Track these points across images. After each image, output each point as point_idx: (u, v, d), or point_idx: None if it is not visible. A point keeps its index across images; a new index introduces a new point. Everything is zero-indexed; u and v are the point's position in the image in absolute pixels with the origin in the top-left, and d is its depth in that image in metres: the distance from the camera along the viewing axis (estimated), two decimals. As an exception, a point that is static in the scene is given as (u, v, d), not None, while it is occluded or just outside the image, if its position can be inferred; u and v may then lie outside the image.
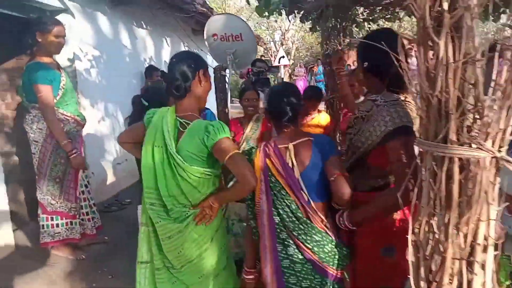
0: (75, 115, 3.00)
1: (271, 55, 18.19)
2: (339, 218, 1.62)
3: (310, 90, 3.87)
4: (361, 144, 1.63)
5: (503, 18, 5.12)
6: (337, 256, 1.64)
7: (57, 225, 2.98)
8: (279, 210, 1.65)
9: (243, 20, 5.03)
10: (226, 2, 19.53)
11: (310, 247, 1.61)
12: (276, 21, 22.34)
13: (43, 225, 2.96)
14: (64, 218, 2.99)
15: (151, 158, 1.71)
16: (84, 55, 4.01)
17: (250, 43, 5.07)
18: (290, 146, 1.69)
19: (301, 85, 15.93)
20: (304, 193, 1.63)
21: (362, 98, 3.13)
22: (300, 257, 1.64)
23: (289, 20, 18.85)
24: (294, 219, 1.64)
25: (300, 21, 6.30)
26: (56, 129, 2.82)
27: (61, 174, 2.94)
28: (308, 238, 1.62)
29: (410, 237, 1.15)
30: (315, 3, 5.21)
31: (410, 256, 1.15)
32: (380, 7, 5.70)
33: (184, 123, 1.70)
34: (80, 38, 3.97)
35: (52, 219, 2.97)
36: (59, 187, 2.95)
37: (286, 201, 1.65)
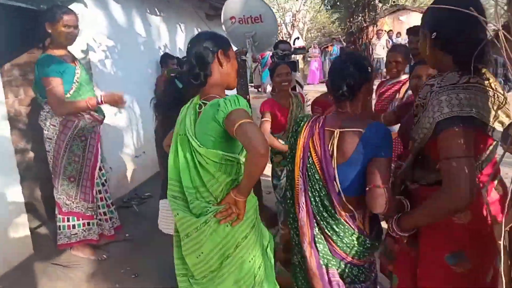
0: (91, 110, 2.86)
1: (283, 37, 17.79)
2: (390, 224, 1.46)
3: None
4: (417, 135, 1.42)
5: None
6: (355, 248, 1.57)
7: (74, 226, 2.88)
8: (308, 191, 1.61)
9: (263, 1, 4.80)
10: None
11: (329, 234, 1.58)
12: (287, 1, 21.82)
13: (59, 226, 2.87)
14: (80, 219, 2.88)
15: (175, 148, 1.62)
16: (98, 46, 3.85)
17: (271, 25, 4.83)
18: (336, 132, 1.54)
19: (316, 66, 15.62)
20: (337, 184, 1.53)
21: (404, 76, 2.89)
22: (322, 238, 1.62)
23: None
24: (319, 205, 1.59)
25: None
26: (74, 107, 2.70)
27: (76, 173, 2.82)
28: (329, 226, 1.58)
29: (502, 242, 0.95)
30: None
31: (502, 266, 0.96)
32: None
33: (202, 103, 1.58)
34: (94, 27, 3.81)
35: (68, 220, 2.87)
36: (74, 186, 2.83)
37: (317, 185, 1.58)
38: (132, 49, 4.59)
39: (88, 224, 2.91)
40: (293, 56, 4.92)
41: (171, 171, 1.63)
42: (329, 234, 1.58)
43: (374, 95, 3.31)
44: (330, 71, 1.64)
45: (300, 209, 1.62)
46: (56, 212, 2.88)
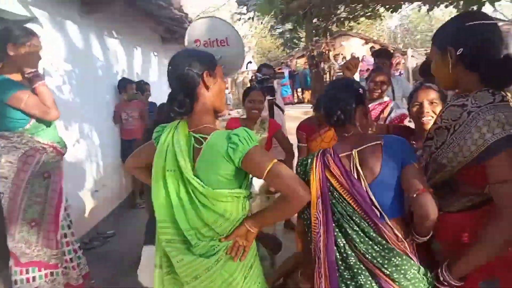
0: (54, 142, 2.51)
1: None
2: (440, 273, 1.30)
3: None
4: (447, 161, 1.30)
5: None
6: (421, 284, 1.32)
7: (34, 278, 2.44)
8: (347, 230, 1.39)
9: (229, 23, 4.72)
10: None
11: (389, 272, 1.32)
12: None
13: (15, 280, 2.42)
14: (42, 269, 2.46)
15: (164, 185, 1.40)
16: (55, 70, 3.49)
17: (237, 48, 4.75)
18: (354, 153, 1.43)
19: (266, 90, 15.91)
20: (376, 207, 1.37)
21: (386, 99, 2.91)
22: (375, 286, 1.33)
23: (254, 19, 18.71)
24: (366, 239, 1.37)
25: (279, 22, 6.15)
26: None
27: (38, 216, 2.43)
28: (386, 261, 1.33)
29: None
30: (298, 2, 5.05)
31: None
32: (361, 5, 5.67)
33: (199, 138, 1.37)
34: (50, 50, 3.45)
35: (27, 271, 2.44)
36: (35, 232, 2.43)
37: (354, 218, 1.39)
38: (90, 73, 4.25)
39: (52, 274, 2.50)
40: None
41: (161, 212, 1.42)
42: (388, 272, 1.32)
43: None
44: (322, 99, 1.57)
45: (317, 255, 1.44)
46: (11, 264, 2.45)
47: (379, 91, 2.88)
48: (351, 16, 5.85)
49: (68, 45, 3.80)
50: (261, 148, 1.37)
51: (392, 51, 7.90)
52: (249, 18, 6.48)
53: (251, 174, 1.39)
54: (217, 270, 1.38)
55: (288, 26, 5.85)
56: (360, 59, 15.40)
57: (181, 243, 1.41)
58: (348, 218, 1.40)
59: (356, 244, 1.37)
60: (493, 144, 1.16)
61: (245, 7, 5.93)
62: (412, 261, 1.34)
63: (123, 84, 4.87)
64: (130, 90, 4.90)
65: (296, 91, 16.75)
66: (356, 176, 1.41)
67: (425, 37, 29.41)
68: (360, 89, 1.52)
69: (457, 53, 1.27)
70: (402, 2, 5.20)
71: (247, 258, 1.45)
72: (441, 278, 1.29)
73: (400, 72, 10.69)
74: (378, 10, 5.82)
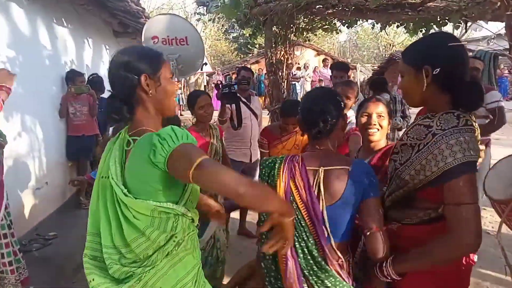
0: None
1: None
2: (380, 267, 1.36)
3: (290, 106, 3.08)
4: (409, 178, 1.35)
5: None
6: None
7: None
8: (295, 243, 1.40)
9: (190, 22, 4.65)
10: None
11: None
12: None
13: None
14: None
15: (96, 193, 1.28)
16: (-4, 56, 3.20)
17: (197, 48, 4.70)
18: (321, 170, 1.42)
19: (219, 93, 15.85)
20: (326, 229, 1.39)
21: (350, 113, 2.89)
22: None
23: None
24: (308, 257, 1.40)
25: (239, 27, 6.14)
26: None
27: None
28: (320, 281, 1.39)
29: None
30: (260, 9, 5.09)
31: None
32: (319, 17, 5.84)
33: (131, 140, 1.24)
34: (-8, 34, 3.16)
35: None
36: None
37: (304, 234, 1.41)
38: (35, 62, 3.94)
39: None
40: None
41: (91, 223, 1.29)
42: None
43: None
44: (303, 108, 1.53)
45: (286, 264, 1.41)
46: None
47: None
48: (309, 27, 6.01)
49: (12, 30, 3.50)
50: (192, 146, 1.14)
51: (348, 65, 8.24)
52: (209, 20, 6.41)
53: (178, 179, 1.17)
54: None
55: (248, 31, 5.84)
56: (313, 70, 15.87)
57: (102, 262, 1.26)
58: (299, 231, 1.41)
59: (299, 258, 1.40)
60: (453, 168, 1.21)
61: (205, 8, 5.85)
62: (343, 283, 1.41)
63: (71, 76, 4.56)
64: (79, 83, 4.61)
65: (249, 97, 16.86)
66: (316, 194, 1.41)
67: (371, 54, 31.07)
68: (342, 102, 1.53)
69: (433, 73, 1.28)
70: (357, 18, 5.43)
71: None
72: (385, 272, 1.35)
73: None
74: (334, 24, 6.03)
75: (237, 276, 2.41)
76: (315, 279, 1.40)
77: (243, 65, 17.66)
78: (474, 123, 1.31)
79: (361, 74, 18.40)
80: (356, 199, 1.40)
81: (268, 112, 5.47)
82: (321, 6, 4.99)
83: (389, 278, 1.35)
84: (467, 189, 1.21)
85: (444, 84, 1.31)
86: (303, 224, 1.40)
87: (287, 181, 1.43)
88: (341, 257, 1.42)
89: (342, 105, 1.52)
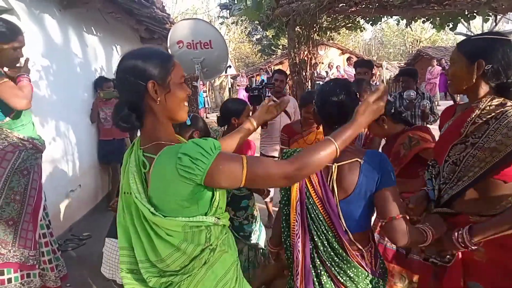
0: (33, 139, 2.42)
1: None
2: (460, 234, 1.38)
3: (307, 94, 3.13)
4: (496, 144, 1.39)
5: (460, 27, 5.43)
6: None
7: (10, 280, 2.33)
8: (314, 236, 1.45)
9: (213, 26, 4.73)
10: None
11: (343, 281, 1.43)
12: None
13: None
14: (18, 271, 2.36)
15: (122, 209, 1.23)
16: (32, 65, 3.35)
17: (221, 51, 4.78)
18: (334, 167, 1.43)
19: (243, 94, 15.94)
20: (342, 222, 1.42)
21: None
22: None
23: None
24: (329, 249, 1.44)
25: (262, 28, 6.19)
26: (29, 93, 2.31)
27: (16, 214, 2.33)
28: (342, 272, 1.43)
29: None
30: (282, 9, 5.12)
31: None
32: (343, 16, 5.81)
33: (145, 159, 1.17)
34: (27, 44, 3.32)
35: (2, 273, 2.32)
36: (12, 231, 2.32)
37: (322, 227, 1.44)
38: (68, 70, 4.12)
39: (28, 276, 2.39)
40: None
41: (121, 237, 1.25)
42: (342, 281, 1.43)
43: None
44: (319, 100, 1.53)
45: (295, 257, 1.46)
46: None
47: None
48: (332, 26, 5.97)
49: (46, 39, 3.68)
50: (225, 156, 1.13)
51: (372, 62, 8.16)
52: (232, 23, 6.48)
53: (225, 188, 1.19)
54: None
55: (271, 32, 5.87)
56: (337, 69, 15.70)
57: (137, 274, 1.24)
58: (318, 225, 1.45)
59: (319, 251, 1.44)
60: None
61: (228, 11, 5.93)
62: (365, 273, 1.44)
63: (100, 83, 4.74)
64: (106, 88, 4.77)
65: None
66: (330, 189, 1.44)
67: (397, 51, 30.41)
68: (358, 93, 1.54)
69: (486, 67, 1.43)
70: (381, 15, 5.35)
71: None
72: (459, 239, 1.38)
73: (375, 83, 11.04)
74: (358, 22, 5.97)
75: (263, 275, 2.44)
76: (337, 270, 1.43)
77: (267, 66, 17.72)
78: None
79: (387, 72, 18.05)
80: (368, 191, 1.41)
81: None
82: (344, 4, 4.96)
83: (464, 246, 1.37)
84: None
85: (493, 77, 1.45)
86: (321, 218, 1.44)
87: None
88: (361, 248, 1.44)
89: (358, 96, 1.52)
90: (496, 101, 1.45)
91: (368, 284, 1.45)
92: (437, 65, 13.91)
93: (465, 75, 1.49)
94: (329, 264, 1.44)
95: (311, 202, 1.45)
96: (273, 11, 4.78)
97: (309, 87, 5.32)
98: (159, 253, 1.15)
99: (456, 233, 1.40)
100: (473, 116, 1.47)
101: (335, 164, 1.43)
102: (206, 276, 1.21)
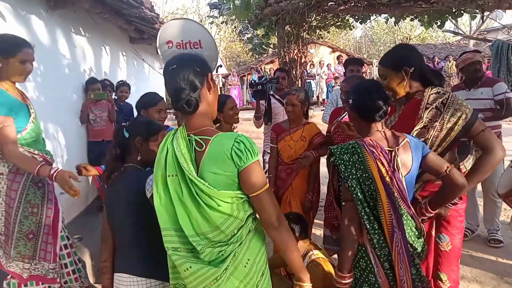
0: (44, 153, 2.40)
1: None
2: (424, 206, 1.80)
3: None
4: (451, 125, 1.81)
5: (447, 26, 5.49)
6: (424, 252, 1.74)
7: None
8: (402, 219, 1.61)
9: (203, 26, 4.70)
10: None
11: (416, 246, 1.66)
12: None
13: None
14: (40, 283, 2.35)
15: (165, 191, 1.39)
16: (19, 67, 3.32)
17: (211, 51, 4.75)
18: (397, 149, 1.65)
19: (235, 94, 15.92)
20: (405, 198, 1.63)
21: None
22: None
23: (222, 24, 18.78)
24: (408, 221, 1.64)
25: (252, 28, 6.18)
26: (24, 163, 2.19)
27: (35, 227, 2.30)
28: (416, 240, 1.67)
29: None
30: (271, 9, 5.12)
31: None
32: (332, 14, 5.82)
33: (200, 140, 1.37)
34: (14, 45, 3.29)
35: (25, 285, 2.33)
36: (33, 244, 2.30)
37: (401, 206, 1.62)
38: (56, 71, 4.07)
39: None
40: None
41: (164, 220, 1.40)
42: (415, 247, 1.66)
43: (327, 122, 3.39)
44: (359, 99, 1.75)
45: (395, 234, 1.57)
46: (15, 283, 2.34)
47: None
48: (321, 25, 5.99)
49: (33, 41, 3.59)
50: (259, 166, 1.38)
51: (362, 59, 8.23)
52: (222, 22, 6.46)
53: (242, 186, 1.39)
54: (227, 279, 1.36)
55: (261, 31, 5.87)
56: (327, 67, 15.77)
57: (187, 251, 1.38)
58: (400, 207, 1.61)
59: (408, 232, 1.63)
60: (471, 116, 1.79)
61: (217, 11, 5.92)
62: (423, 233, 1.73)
63: (91, 84, 4.70)
64: (94, 90, 4.74)
65: (265, 96, 16.90)
66: (396, 169, 1.62)
67: (388, 48, 30.60)
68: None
69: (410, 71, 1.89)
70: (370, 14, 5.38)
71: (259, 264, 1.44)
72: (425, 210, 1.82)
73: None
74: (347, 20, 5.99)
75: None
76: (413, 239, 1.65)
77: (258, 65, 17.72)
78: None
79: (377, 69, 18.14)
80: (418, 163, 1.68)
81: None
82: (333, 3, 4.98)
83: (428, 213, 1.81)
84: (481, 123, 1.83)
85: (417, 75, 1.93)
86: (396, 196, 1.59)
87: (375, 161, 1.61)
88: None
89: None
90: (434, 90, 1.87)
91: (424, 246, 1.73)
92: (427, 62, 14.03)
93: (398, 83, 1.91)
94: (407, 236, 1.61)
95: (391, 188, 1.59)
96: (262, 11, 4.78)
97: (299, 85, 5.33)
98: (214, 222, 1.34)
99: (418, 206, 1.81)
100: (423, 103, 1.85)
101: (395, 147, 1.65)
102: (251, 245, 1.43)
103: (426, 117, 1.83)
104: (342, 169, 1.65)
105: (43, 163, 2.24)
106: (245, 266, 1.39)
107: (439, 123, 1.81)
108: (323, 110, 4.78)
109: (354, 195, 1.61)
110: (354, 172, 1.62)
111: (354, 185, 1.61)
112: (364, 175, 1.61)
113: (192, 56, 1.45)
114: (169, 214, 1.39)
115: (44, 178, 2.34)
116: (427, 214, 1.81)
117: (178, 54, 1.46)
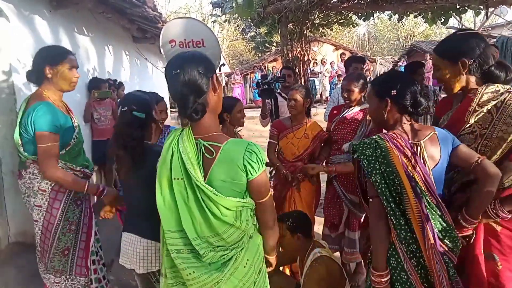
0: (84, 168, 2.37)
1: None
2: (494, 206, 1.57)
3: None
4: (502, 133, 1.55)
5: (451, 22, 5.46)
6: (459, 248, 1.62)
7: None
8: (427, 211, 1.53)
9: (205, 24, 4.70)
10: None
11: (447, 242, 1.57)
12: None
13: None
14: None
15: (170, 194, 1.38)
16: (22, 67, 3.34)
17: (214, 50, 4.74)
18: (423, 144, 1.60)
19: (238, 92, 15.90)
20: (433, 191, 1.56)
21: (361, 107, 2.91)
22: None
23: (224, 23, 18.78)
24: (437, 216, 1.56)
25: (255, 26, 6.18)
26: (71, 185, 2.19)
27: (71, 244, 2.31)
28: (447, 235, 1.57)
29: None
30: (274, 7, 5.10)
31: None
32: (335, 12, 5.80)
33: (209, 146, 1.35)
34: (17, 46, 3.31)
35: None
36: (67, 260, 2.31)
37: (426, 198, 1.54)
38: (60, 71, 4.08)
39: None
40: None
41: (167, 221, 1.40)
42: (446, 243, 1.57)
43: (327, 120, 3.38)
44: (404, 92, 1.65)
45: (425, 229, 1.52)
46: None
47: (348, 99, 2.91)
48: (324, 22, 5.96)
49: (36, 41, 3.65)
50: (266, 176, 1.43)
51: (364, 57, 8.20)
52: (224, 21, 6.45)
53: (249, 193, 1.44)
54: (227, 279, 1.38)
55: (264, 29, 5.86)
56: (330, 65, 15.72)
57: (189, 253, 1.38)
58: (427, 201, 1.54)
59: (437, 224, 1.55)
60: None
61: (220, 10, 5.91)
62: (456, 232, 1.58)
63: (94, 84, 4.72)
64: (104, 88, 4.76)
65: (268, 94, 16.89)
66: (423, 161, 1.57)
67: (391, 45, 30.47)
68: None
69: (469, 64, 1.60)
70: (373, 11, 5.36)
71: (257, 263, 1.49)
72: (492, 212, 1.59)
73: (369, 78, 11.05)
74: (350, 17, 5.97)
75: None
76: (443, 233, 1.56)
77: (261, 64, 17.69)
78: None
79: (381, 67, 18.08)
80: (447, 154, 1.60)
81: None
82: (336, 0, 4.96)
83: (498, 215, 1.57)
84: None
85: (478, 69, 1.62)
86: (423, 190, 1.54)
87: (399, 155, 1.56)
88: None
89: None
90: (491, 88, 1.58)
91: (458, 241, 1.59)
92: (430, 59, 13.96)
93: (454, 76, 1.65)
94: (437, 232, 1.54)
95: (412, 177, 1.54)
96: (264, 9, 4.77)
97: (303, 83, 5.32)
98: (216, 229, 1.35)
99: (489, 205, 1.57)
100: (473, 104, 1.60)
101: (421, 141, 1.60)
102: (250, 246, 1.47)
103: (475, 121, 1.61)
104: (365, 165, 1.61)
105: (88, 182, 2.26)
106: (244, 266, 1.43)
107: (489, 130, 1.56)
108: (326, 108, 4.77)
109: (379, 190, 1.58)
110: (378, 167, 1.58)
111: (379, 180, 1.58)
112: (388, 169, 1.56)
113: (195, 57, 1.37)
114: (173, 216, 1.38)
115: (83, 194, 2.35)
116: (467, 226, 1.60)
117: (179, 54, 1.40)
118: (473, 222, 1.59)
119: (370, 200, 1.65)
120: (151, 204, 1.70)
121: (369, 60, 15.57)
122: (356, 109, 2.90)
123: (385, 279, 1.59)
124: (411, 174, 1.53)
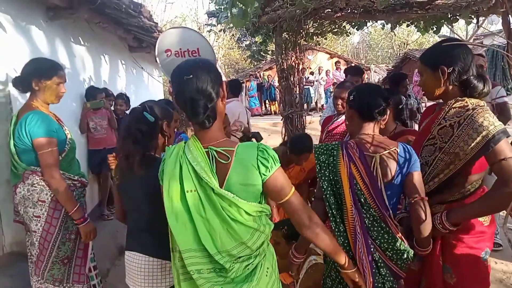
0: (80, 177, 2.44)
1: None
2: (439, 218, 1.62)
3: (300, 140, 3.14)
4: (459, 149, 1.57)
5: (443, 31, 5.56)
6: (408, 261, 1.66)
7: None
8: (364, 218, 1.61)
9: (200, 34, 4.74)
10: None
11: (390, 255, 1.63)
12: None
13: None
14: None
15: (183, 209, 1.31)
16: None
17: (209, 58, 4.78)
18: (377, 157, 1.64)
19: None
20: (386, 202, 1.61)
21: None
22: (384, 262, 1.64)
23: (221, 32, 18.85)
24: (379, 229, 1.61)
25: (250, 35, 6.22)
26: (64, 194, 2.22)
27: (70, 253, 2.33)
28: (389, 247, 1.62)
29: None
30: (269, 16, 5.16)
31: None
32: (328, 21, 5.87)
33: (223, 152, 1.32)
34: (14, 55, 3.33)
35: None
36: (66, 269, 2.33)
37: (371, 210, 1.61)
38: (56, 80, 4.10)
39: None
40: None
41: (183, 240, 1.31)
42: (389, 255, 1.62)
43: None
44: (360, 95, 1.74)
45: (357, 240, 1.58)
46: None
47: (341, 107, 2.98)
48: (319, 31, 6.04)
49: (33, 50, 3.67)
50: (283, 171, 1.37)
51: (362, 67, 8.30)
52: (220, 30, 6.50)
53: (268, 195, 1.39)
54: None
55: (259, 39, 5.93)
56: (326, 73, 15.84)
57: (209, 272, 1.31)
58: (366, 208, 1.61)
59: (369, 231, 1.61)
60: (495, 135, 1.49)
61: (215, 19, 5.97)
62: (406, 246, 1.64)
63: (91, 93, 4.74)
64: (100, 98, 4.77)
65: (264, 103, 16.98)
66: (375, 175, 1.61)
67: (385, 53, 30.77)
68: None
69: (448, 71, 1.62)
70: (366, 20, 5.44)
71: (276, 270, 1.48)
72: (439, 222, 1.62)
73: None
74: (344, 26, 6.04)
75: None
76: (385, 246, 1.61)
77: (257, 72, 17.78)
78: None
79: (375, 75, 18.24)
80: (403, 175, 1.63)
81: (281, 117, 5.51)
82: (329, 10, 5.03)
83: (446, 229, 1.61)
84: (509, 148, 1.50)
85: (458, 79, 1.64)
86: (370, 203, 1.60)
87: (348, 167, 1.62)
88: (396, 224, 1.66)
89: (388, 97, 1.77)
90: (459, 104, 1.61)
91: (409, 255, 1.64)
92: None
93: (434, 82, 1.68)
94: (378, 242, 1.61)
95: (359, 189, 1.61)
96: (259, 18, 4.83)
97: (297, 92, 5.36)
98: (239, 237, 1.30)
99: (435, 218, 1.62)
100: (439, 117, 1.65)
101: (377, 154, 1.64)
102: (268, 253, 1.44)
103: (438, 134, 1.65)
104: (317, 169, 1.70)
105: (78, 206, 2.30)
106: (266, 275, 1.39)
107: (448, 145, 1.60)
108: (321, 115, 4.85)
109: (324, 196, 1.67)
110: (327, 174, 1.67)
111: (325, 187, 1.66)
112: (335, 178, 1.64)
113: (206, 63, 1.35)
114: (188, 232, 1.31)
115: (81, 204, 2.39)
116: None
117: (189, 59, 1.38)
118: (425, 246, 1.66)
119: (314, 200, 1.77)
120: (154, 217, 1.71)
121: (363, 68, 15.70)
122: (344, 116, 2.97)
123: (298, 261, 1.80)
124: (357, 185, 1.60)
